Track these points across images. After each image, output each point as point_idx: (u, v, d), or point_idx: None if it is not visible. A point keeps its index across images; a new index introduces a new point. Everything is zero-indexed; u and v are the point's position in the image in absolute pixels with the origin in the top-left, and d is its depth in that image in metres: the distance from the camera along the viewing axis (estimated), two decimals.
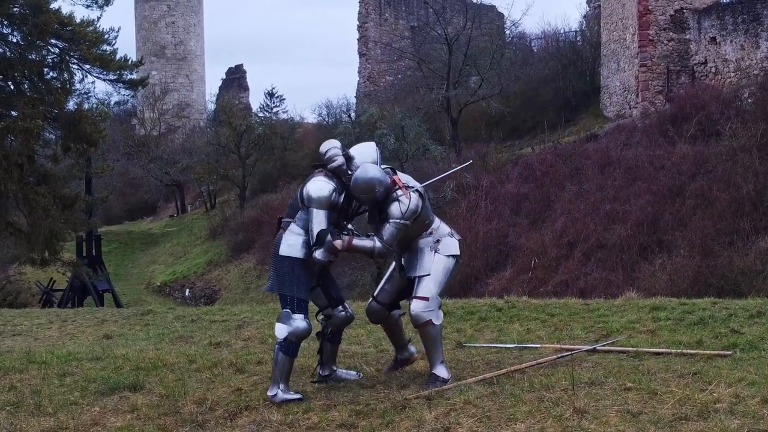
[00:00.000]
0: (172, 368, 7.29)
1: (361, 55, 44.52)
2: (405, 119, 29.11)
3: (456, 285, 19.01)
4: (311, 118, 47.60)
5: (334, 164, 6.31)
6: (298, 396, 6.13)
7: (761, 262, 16.52)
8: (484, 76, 32.98)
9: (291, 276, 6.22)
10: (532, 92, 35.09)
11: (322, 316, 6.60)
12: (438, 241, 6.47)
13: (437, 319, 6.32)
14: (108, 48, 25.75)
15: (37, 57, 24.41)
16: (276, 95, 50.93)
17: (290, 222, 6.35)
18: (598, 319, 9.09)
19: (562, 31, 41.28)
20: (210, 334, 9.77)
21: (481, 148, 29.77)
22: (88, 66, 25.42)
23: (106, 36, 25.73)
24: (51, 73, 24.94)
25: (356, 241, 6.19)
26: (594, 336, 8.38)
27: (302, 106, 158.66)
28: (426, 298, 6.28)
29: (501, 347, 7.91)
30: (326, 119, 42.37)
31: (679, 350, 7.22)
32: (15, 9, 23.59)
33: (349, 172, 6.27)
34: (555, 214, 22.51)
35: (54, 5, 24.24)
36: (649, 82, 27.49)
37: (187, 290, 33.93)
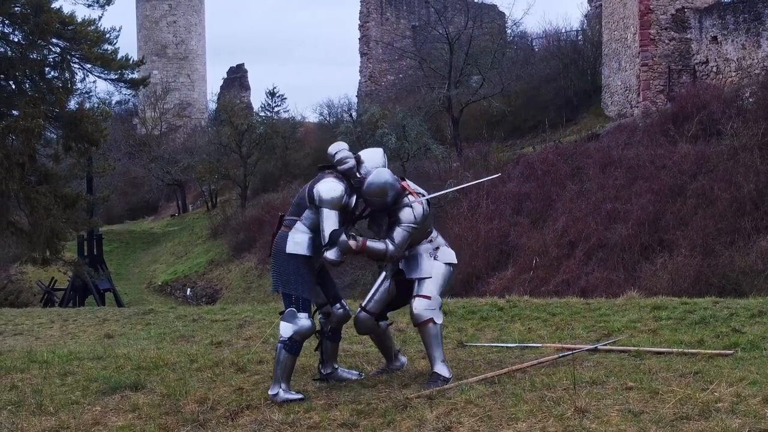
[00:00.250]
0: (173, 367, 7.30)
1: (362, 54, 44.51)
2: (406, 118, 29.09)
3: (457, 284, 19.00)
4: (312, 118, 47.63)
5: (345, 166, 6.35)
6: (299, 396, 6.14)
7: (762, 262, 16.50)
8: (486, 75, 32.97)
9: (296, 275, 6.22)
10: (533, 91, 35.07)
11: (320, 315, 6.61)
12: (437, 248, 6.58)
13: (438, 318, 6.39)
14: (109, 47, 25.78)
15: (38, 56, 24.41)
16: (277, 94, 50.84)
17: (296, 220, 6.35)
18: (600, 319, 9.09)
19: (563, 31, 41.31)
20: (211, 334, 9.78)
21: (482, 147, 29.79)
22: (89, 65, 25.43)
23: (108, 35, 25.75)
24: (52, 73, 24.96)
25: (370, 243, 6.24)
26: (595, 335, 8.39)
27: (303, 106, 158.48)
28: (428, 297, 6.36)
29: (502, 346, 7.92)
30: (327, 119, 42.33)
31: (680, 350, 7.22)
32: (16, 8, 23.59)
33: (358, 175, 6.32)
34: (556, 213, 22.50)
35: (55, 4, 24.30)
36: (651, 82, 27.47)
37: (189, 289, 33.95)
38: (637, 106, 27.90)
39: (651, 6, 27.24)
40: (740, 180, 18.90)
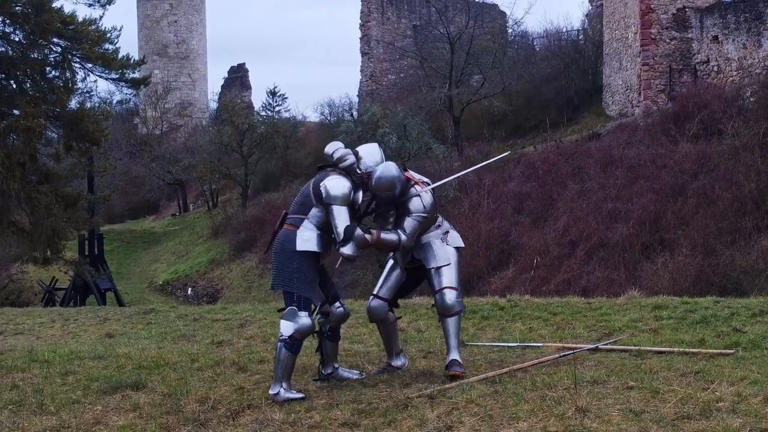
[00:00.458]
0: (174, 367, 7.30)
1: (363, 53, 44.50)
2: (407, 118, 29.09)
3: None
4: (313, 117, 47.68)
5: (346, 163, 6.41)
6: (300, 395, 6.14)
7: (763, 261, 16.50)
8: (487, 74, 32.98)
9: (299, 273, 6.23)
10: (534, 91, 35.07)
11: (319, 315, 6.60)
12: (447, 233, 6.70)
13: (463, 307, 6.62)
14: (110, 47, 25.74)
15: (39, 56, 24.40)
16: (278, 94, 50.92)
17: (302, 219, 6.35)
18: (601, 318, 9.09)
19: (564, 30, 41.31)
20: (212, 333, 9.77)
21: (483, 146, 29.79)
22: (90, 65, 25.41)
23: (109, 35, 25.71)
24: (53, 72, 24.94)
25: (384, 235, 6.34)
26: (596, 335, 8.38)
27: (304, 105, 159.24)
28: (456, 288, 6.50)
29: (503, 346, 7.92)
30: (328, 118, 42.36)
31: (681, 349, 7.22)
32: (17, 8, 23.58)
33: (359, 171, 6.37)
34: (557, 212, 22.50)
35: (56, 4, 24.23)
36: (652, 81, 27.45)
37: (190, 289, 33.96)
38: (638, 106, 27.89)
39: (652, 5, 27.22)
40: (741, 179, 18.90)
